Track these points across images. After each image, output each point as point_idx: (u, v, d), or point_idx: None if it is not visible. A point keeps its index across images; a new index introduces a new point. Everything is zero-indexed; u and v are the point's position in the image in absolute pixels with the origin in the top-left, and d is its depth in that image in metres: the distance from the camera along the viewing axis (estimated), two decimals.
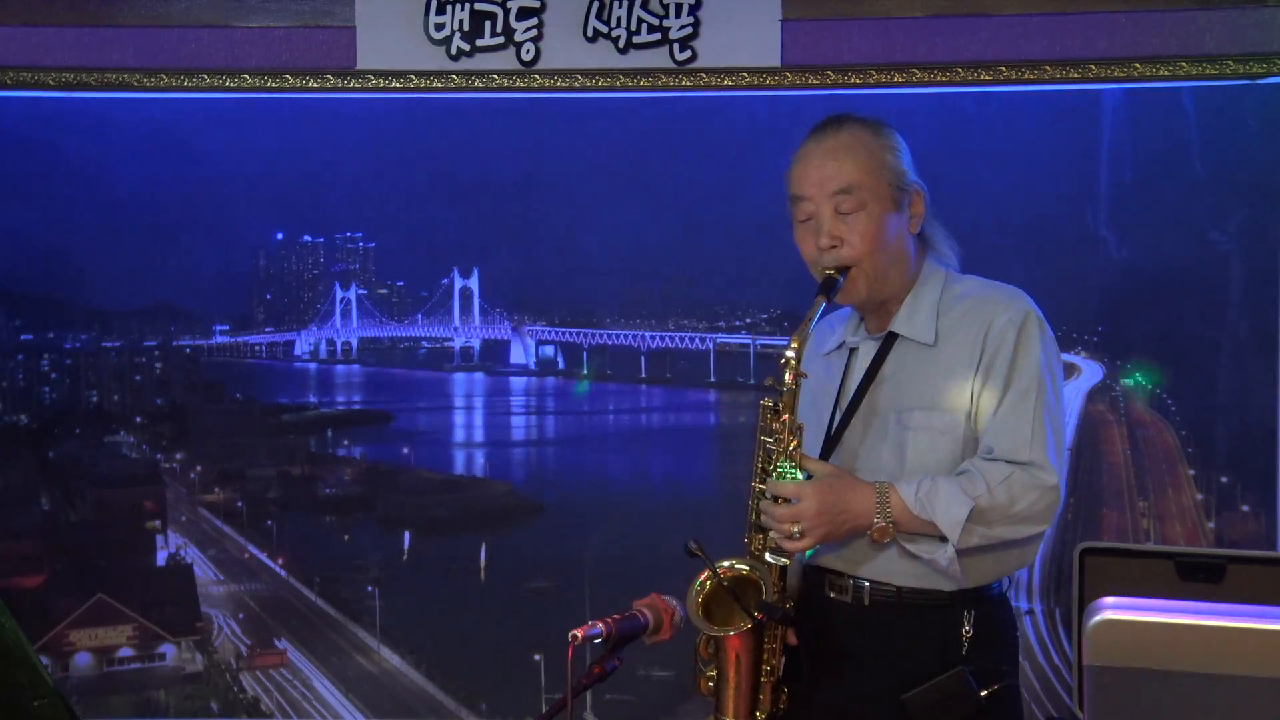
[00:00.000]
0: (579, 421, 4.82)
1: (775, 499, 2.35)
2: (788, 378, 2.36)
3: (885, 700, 2.38)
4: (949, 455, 2.40)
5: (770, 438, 2.39)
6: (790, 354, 2.36)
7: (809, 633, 2.49)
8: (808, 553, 2.49)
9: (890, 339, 2.49)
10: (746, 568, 2.37)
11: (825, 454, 2.51)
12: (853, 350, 2.57)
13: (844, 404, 2.52)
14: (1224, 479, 4.08)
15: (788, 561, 2.39)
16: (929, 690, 2.34)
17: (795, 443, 2.37)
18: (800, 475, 2.37)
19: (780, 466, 2.37)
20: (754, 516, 2.41)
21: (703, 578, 2.35)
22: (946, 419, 2.40)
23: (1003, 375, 2.37)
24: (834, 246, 2.43)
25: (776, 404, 2.38)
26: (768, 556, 2.38)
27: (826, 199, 2.43)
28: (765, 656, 2.39)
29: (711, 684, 2.40)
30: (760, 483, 2.40)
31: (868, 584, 2.43)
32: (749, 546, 2.41)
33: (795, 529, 2.32)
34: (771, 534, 2.36)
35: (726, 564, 2.37)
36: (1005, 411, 2.36)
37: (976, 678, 2.35)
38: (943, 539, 2.32)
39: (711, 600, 2.35)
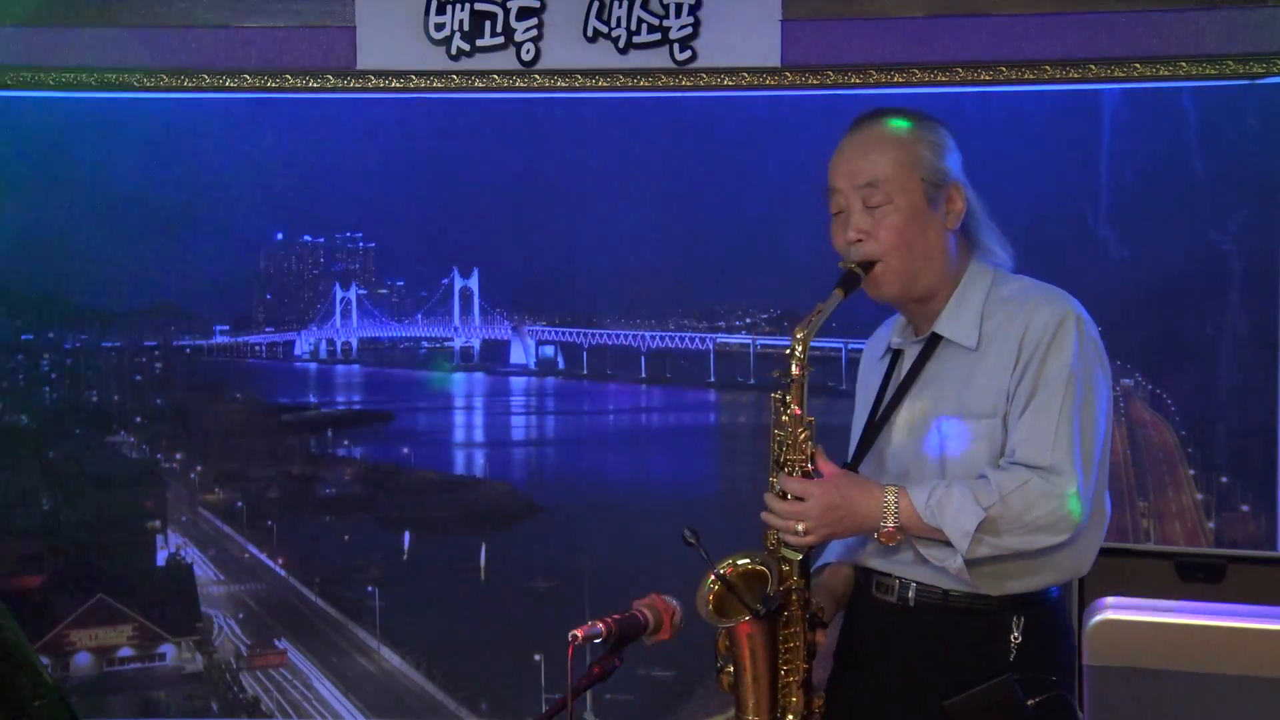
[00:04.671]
0: (579, 421, 4.82)
1: (783, 494, 2.33)
2: (794, 369, 2.33)
3: (928, 705, 2.32)
4: (988, 461, 2.34)
5: (780, 430, 2.36)
6: (796, 344, 2.33)
7: (853, 633, 2.48)
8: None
9: (934, 341, 2.44)
10: (748, 560, 2.36)
11: (860, 455, 2.48)
12: (898, 352, 2.52)
13: (884, 405, 2.48)
14: (1224, 479, 4.08)
15: (800, 556, 2.36)
16: (972, 697, 2.27)
17: (805, 434, 2.34)
18: (810, 467, 2.35)
19: (790, 458, 2.34)
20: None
21: (715, 572, 2.33)
22: (985, 424, 2.34)
23: (1034, 377, 2.31)
24: (860, 240, 2.39)
25: (785, 396, 2.35)
26: (784, 551, 2.36)
27: (854, 192, 2.40)
28: (786, 655, 2.36)
29: (730, 679, 2.38)
30: (775, 476, 2.37)
31: (914, 585, 2.39)
32: (766, 540, 2.39)
33: (800, 526, 2.30)
34: (777, 529, 2.35)
35: (730, 562, 2.36)
36: (1031, 413, 2.30)
37: (1024, 686, 2.27)
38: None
39: (723, 596, 2.34)
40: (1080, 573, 2.41)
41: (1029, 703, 2.25)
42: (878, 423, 2.47)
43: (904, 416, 2.44)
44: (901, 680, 2.39)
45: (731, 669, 2.37)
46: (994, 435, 2.34)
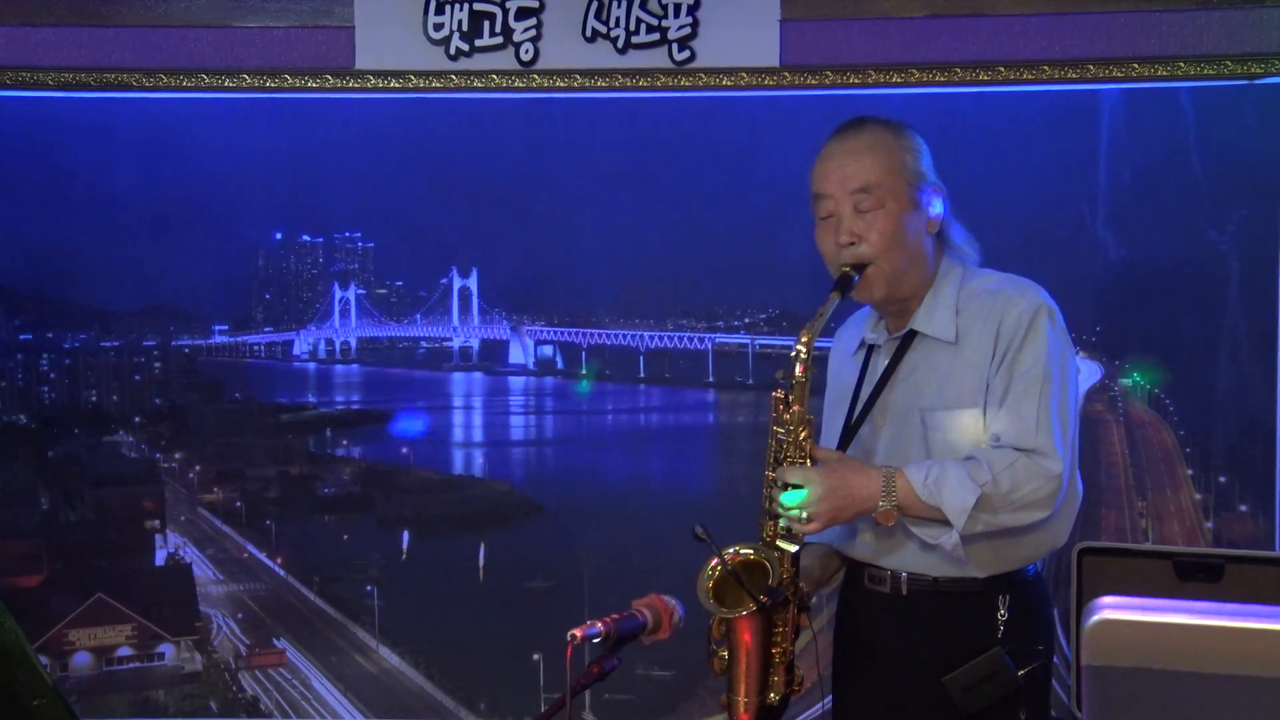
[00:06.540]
0: (579, 421, 4.82)
1: (784, 485, 2.40)
2: (798, 370, 2.42)
3: (926, 685, 2.45)
4: (971, 449, 2.45)
5: (781, 428, 2.45)
6: (801, 347, 2.41)
7: (850, 623, 2.59)
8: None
9: (910, 336, 2.54)
10: (752, 552, 2.40)
11: (842, 448, 2.55)
12: (873, 348, 2.62)
13: (862, 400, 2.57)
14: (1222, 479, 4.08)
15: (797, 548, 2.43)
16: (968, 671, 2.42)
17: (805, 432, 2.43)
18: (809, 463, 2.43)
19: (790, 455, 2.42)
20: (767, 503, 2.46)
21: (713, 563, 2.37)
22: (969, 416, 2.46)
23: (1010, 366, 2.43)
24: (852, 243, 2.48)
25: (787, 395, 2.43)
26: (779, 543, 2.42)
27: (846, 197, 2.49)
28: (777, 639, 2.43)
29: (723, 663, 2.43)
30: (772, 471, 2.45)
31: (905, 574, 2.50)
32: (762, 533, 2.46)
33: (803, 513, 2.37)
34: (782, 520, 2.41)
35: (733, 550, 2.40)
36: (1012, 400, 2.42)
37: (1013, 658, 2.44)
38: (948, 524, 2.38)
39: (722, 583, 2.39)
40: (1057, 546, 2.58)
41: (1019, 673, 2.44)
42: (858, 415, 2.56)
43: (885, 409, 2.54)
44: (901, 663, 2.51)
45: (725, 653, 2.42)
46: (976, 425, 2.46)
